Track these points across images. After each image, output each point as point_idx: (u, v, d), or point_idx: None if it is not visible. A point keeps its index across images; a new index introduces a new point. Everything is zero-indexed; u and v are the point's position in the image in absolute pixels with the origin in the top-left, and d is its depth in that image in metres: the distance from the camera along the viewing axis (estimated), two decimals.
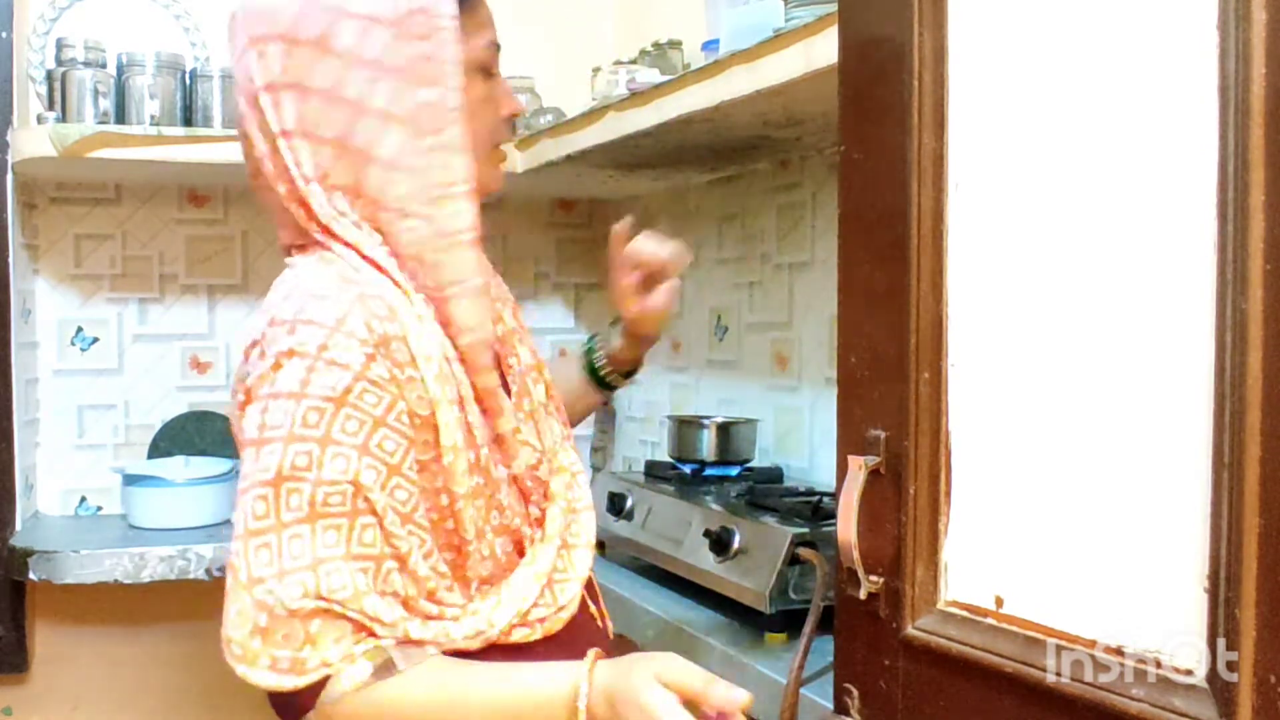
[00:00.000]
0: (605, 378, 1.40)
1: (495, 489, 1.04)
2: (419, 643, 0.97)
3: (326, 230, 1.04)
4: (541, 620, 1.06)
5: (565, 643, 1.07)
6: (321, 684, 0.94)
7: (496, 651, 1.03)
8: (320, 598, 0.92)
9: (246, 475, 0.97)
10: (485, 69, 1.08)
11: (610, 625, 1.21)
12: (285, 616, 0.92)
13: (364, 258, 1.03)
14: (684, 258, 1.29)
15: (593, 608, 1.16)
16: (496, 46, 1.09)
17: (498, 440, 1.07)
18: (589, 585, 1.15)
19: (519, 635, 1.04)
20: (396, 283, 1.02)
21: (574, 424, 1.31)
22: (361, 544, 0.94)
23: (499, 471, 1.05)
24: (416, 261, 1.02)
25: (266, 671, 0.93)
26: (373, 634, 0.95)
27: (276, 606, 0.92)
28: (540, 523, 1.10)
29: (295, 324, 0.97)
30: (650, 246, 1.28)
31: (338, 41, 0.99)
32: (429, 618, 0.99)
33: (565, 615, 1.08)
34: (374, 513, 0.95)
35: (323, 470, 0.93)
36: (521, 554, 1.09)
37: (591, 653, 0.98)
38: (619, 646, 1.19)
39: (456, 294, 1.02)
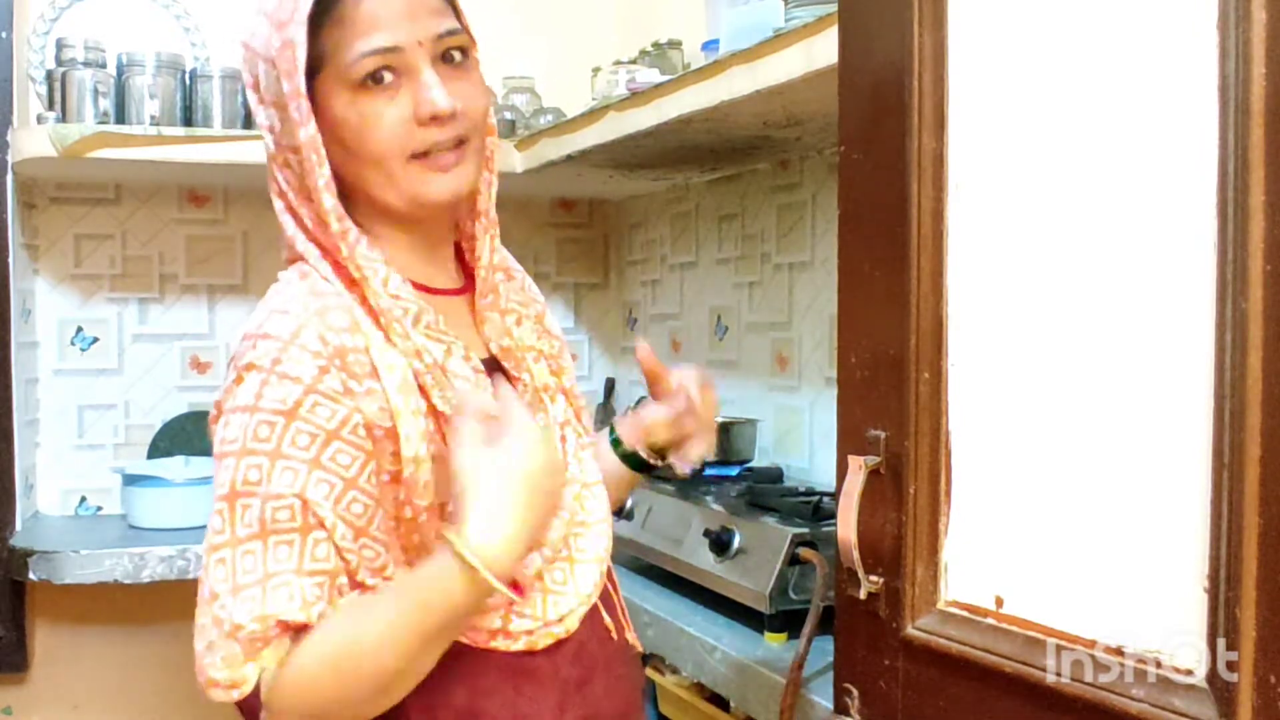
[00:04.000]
0: (643, 458, 1.27)
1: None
2: None
3: (313, 240, 1.06)
4: (528, 632, 1.01)
5: (570, 658, 1.03)
6: (254, 692, 0.95)
7: (491, 664, 1.00)
8: (258, 618, 0.91)
9: (214, 489, 0.97)
10: (364, 82, 0.97)
11: (633, 639, 1.14)
12: (226, 635, 0.92)
13: (338, 266, 1.03)
14: (709, 390, 1.25)
15: (608, 621, 1.09)
16: (386, 51, 0.96)
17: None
18: (605, 598, 1.10)
19: (499, 644, 1.01)
20: (365, 298, 1.01)
21: (617, 502, 1.24)
22: (314, 559, 0.93)
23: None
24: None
25: (215, 690, 0.94)
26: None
27: (226, 623, 0.92)
28: None
29: (257, 339, 0.98)
30: (684, 391, 1.23)
31: (253, 82, 1.04)
32: None
33: (559, 630, 1.03)
34: (323, 527, 0.94)
35: (271, 485, 0.93)
36: None
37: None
38: (636, 662, 1.16)
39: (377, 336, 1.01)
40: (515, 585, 0.95)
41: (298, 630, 0.93)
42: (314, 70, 0.98)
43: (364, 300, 1.01)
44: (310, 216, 1.05)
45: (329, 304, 0.99)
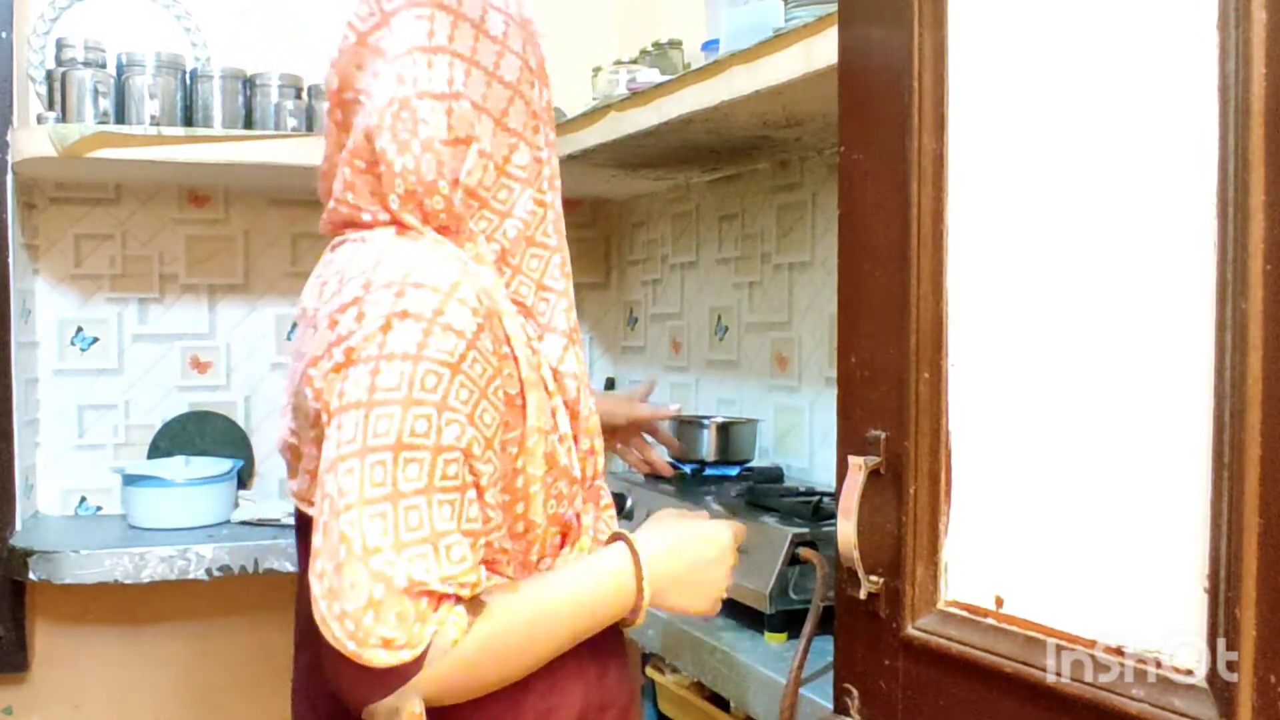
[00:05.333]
0: None
1: (560, 477, 1.06)
2: None
3: (454, 217, 1.04)
4: None
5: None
6: (423, 655, 0.93)
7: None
8: (439, 578, 0.91)
9: (352, 440, 0.92)
10: None
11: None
12: (400, 592, 0.90)
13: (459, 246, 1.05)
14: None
15: None
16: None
17: (573, 437, 1.10)
18: None
19: None
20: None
21: None
22: (468, 519, 0.94)
23: (567, 463, 1.07)
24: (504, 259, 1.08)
25: (378, 650, 0.90)
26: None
27: (396, 578, 0.90)
28: (578, 519, 1.12)
29: (404, 286, 0.95)
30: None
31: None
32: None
33: None
34: (478, 485, 0.96)
35: (441, 437, 0.92)
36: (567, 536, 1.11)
37: (619, 539, 1.09)
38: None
39: (544, 295, 1.09)
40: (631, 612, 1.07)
41: (471, 601, 0.94)
42: None
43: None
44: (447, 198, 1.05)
45: (470, 267, 1.01)
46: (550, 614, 1.00)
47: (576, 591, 1.03)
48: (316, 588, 0.92)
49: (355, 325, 0.95)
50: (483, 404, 0.95)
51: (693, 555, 1.12)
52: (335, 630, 0.90)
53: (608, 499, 1.18)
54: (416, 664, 0.92)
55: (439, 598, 0.92)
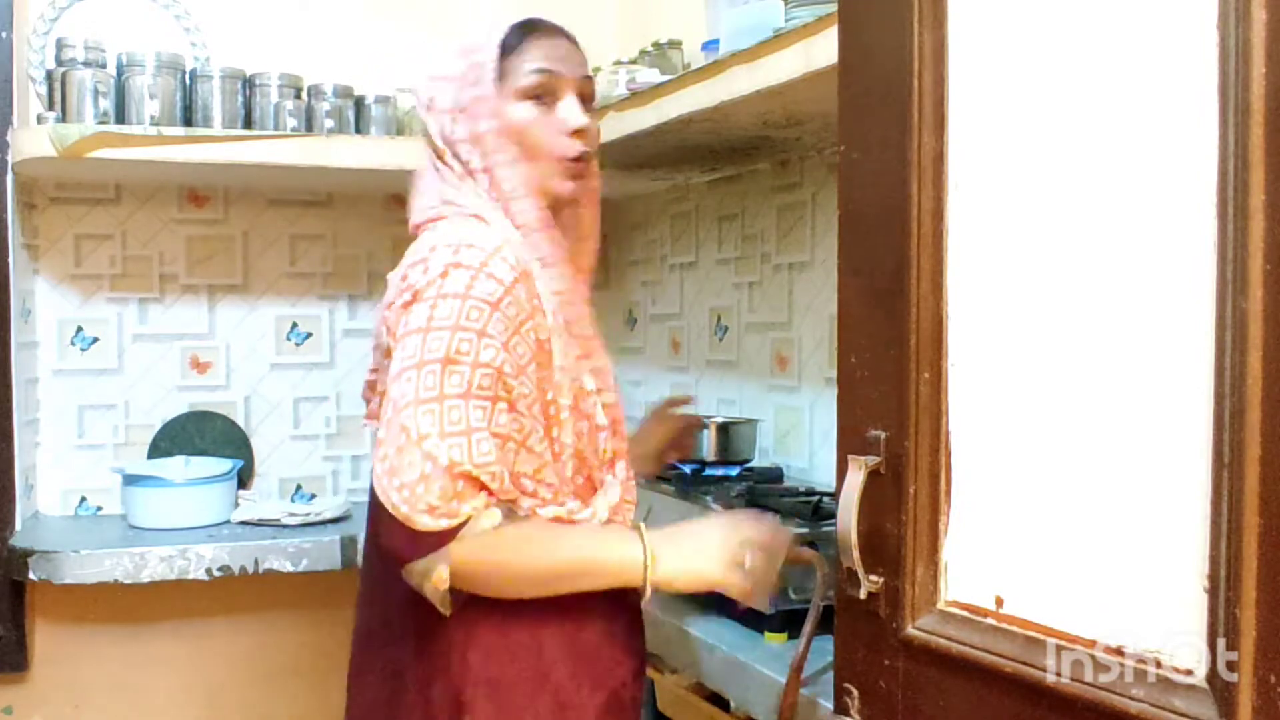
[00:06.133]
0: None
1: (581, 418, 1.27)
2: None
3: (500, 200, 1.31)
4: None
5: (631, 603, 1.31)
6: (457, 528, 1.16)
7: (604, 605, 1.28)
8: (472, 463, 1.14)
9: (411, 356, 1.18)
10: (533, 95, 1.30)
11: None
12: (442, 471, 1.13)
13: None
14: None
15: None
16: (543, 73, 1.30)
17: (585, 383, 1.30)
18: None
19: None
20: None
21: None
22: (498, 424, 1.18)
23: (586, 405, 1.28)
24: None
25: (424, 514, 1.13)
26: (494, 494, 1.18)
27: (440, 458, 1.13)
28: (611, 465, 1.33)
29: (459, 247, 1.21)
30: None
31: (429, 101, 1.36)
32: (525, 494, 1.23)
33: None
34: (509, 398, 1.19)
35: (479, 355, 1.17)
36: (591, 488, 1.31)
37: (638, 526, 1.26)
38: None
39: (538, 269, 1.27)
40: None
41: (509, 506, 1.18)
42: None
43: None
44: (508, 187, 1.30)
45: (509, 238, 1.25)
46: (566, 540, 1.23)
47: (589, 535, 1.25)
48: (379, 468, 1.16)
49: (421, 276, 1.21)
50: (515, 338, 1.20)
51: (696, 526, 1.29)
52: (394, 498, 1.14)
53: (632, 494, 1.36)
54: (451, 533, 1.15)
55: (476, 484, 1.15)
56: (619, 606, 1.31)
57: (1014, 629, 0.91)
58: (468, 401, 1.15)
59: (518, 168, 1.30)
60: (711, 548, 1.24)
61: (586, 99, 1.35)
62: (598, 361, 1.33)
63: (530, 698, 1.25)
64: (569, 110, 1.31)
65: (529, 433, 1.22)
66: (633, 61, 2.09)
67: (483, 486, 1.15)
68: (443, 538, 1.15)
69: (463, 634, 1.24)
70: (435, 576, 1.16)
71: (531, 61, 1.31)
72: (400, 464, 1.14)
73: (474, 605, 1.21)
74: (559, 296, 1.27)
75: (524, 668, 1.25)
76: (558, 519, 1.23)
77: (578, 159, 1.31)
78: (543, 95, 1.30)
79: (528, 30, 1.32)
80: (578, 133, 1.31)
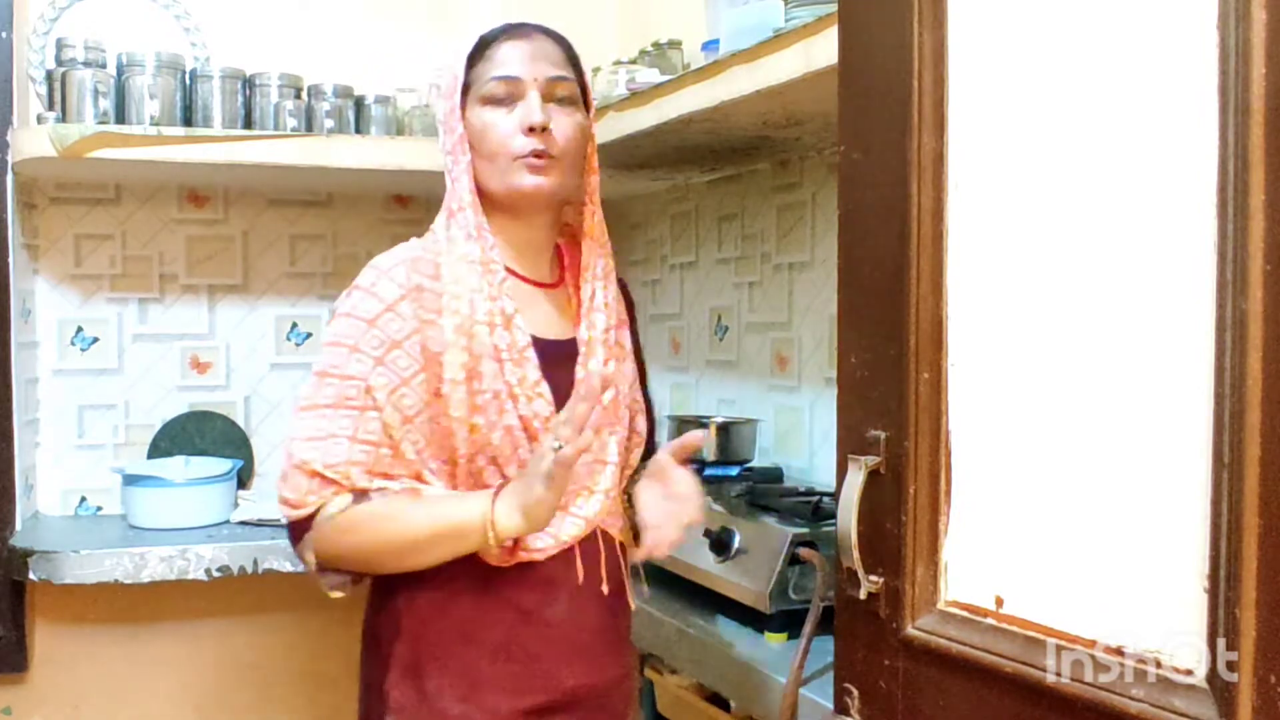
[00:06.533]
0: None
1: (491, 429, 1.29)
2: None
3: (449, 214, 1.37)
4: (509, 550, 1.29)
5: (533, 583, 1.31)
6: (310, 518, 1.28)
7: (464, 570, 1.29)
8: (322, 463, 1.26)
9: (313, 367, 1.33)
10: (494, 100, 1.33)
11: (605, 589, 1.36)
12: (294, 469, 1.27)
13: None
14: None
15: (579, 568, 1.34)
16: (502, 80, 1.33)
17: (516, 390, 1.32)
18: (591, 553, 1.35)
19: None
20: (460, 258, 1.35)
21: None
22: (366, 432, 1.28)
23: (501, 418, 1.29)
24: None
25: (283, 507, 1.29)
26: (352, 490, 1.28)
27: (294, 457, 1.28)
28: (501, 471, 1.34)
29: (368, 268, 1.34)
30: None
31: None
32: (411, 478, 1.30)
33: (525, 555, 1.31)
34: (377, 408, 1.27)
35: (347, 369, 1.28)
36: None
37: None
38: (618, 609, 1.39)
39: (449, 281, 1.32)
40: (514, 547, 1.29)
41: (359, 493, 1.26)
42: (463, 93, 1.35)
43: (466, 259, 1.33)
44: (454, 198, 1.37)
45: (424, 256, 1.34)
46: (410, 523, 1.28)
47: (437, 513, 1.28)
48: None
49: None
50: (395, 352, 1.29)
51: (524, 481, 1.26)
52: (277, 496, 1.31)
53: (584, 460, 1.36)
54: (306, 523, 1.28)
55: (326, 481, 1.26)
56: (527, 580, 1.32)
57: (1014, 629, 0.91)
58: (336, 410, 1.28)
59: (463, 180, 1.34)
60: (528, 497, 1.23)
61: (558, 97, 1.35)
62: (526, 371, 1.31)
63: (459, 653, 1.31)
64: (526, 108, 1.32)
65: (399, 440, 1.28)
66: (633, 61, 2.09)
67: (333, 482, 1.26)
68: (303, 526, 1.29)
69: (405, 599, 1.33)
70: (308, 561, 1.31)
71: (495, 68, 1.34)
72: (282, 465, 1.31)
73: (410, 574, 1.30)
74: (492, 303, 1.30)
75: (448, 625, 1.31)
76: (409, 490, 1.29)
77: (539, 155, 1.32)
78: (505, 100, 1.33)
79: (499, 35, 1.36)
80: (534, 130, 1.31)
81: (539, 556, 1.31)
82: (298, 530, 1.30)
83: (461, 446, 1.29)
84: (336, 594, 1.34)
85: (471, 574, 1.30)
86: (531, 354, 1.32)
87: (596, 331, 1.38)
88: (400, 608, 1.34)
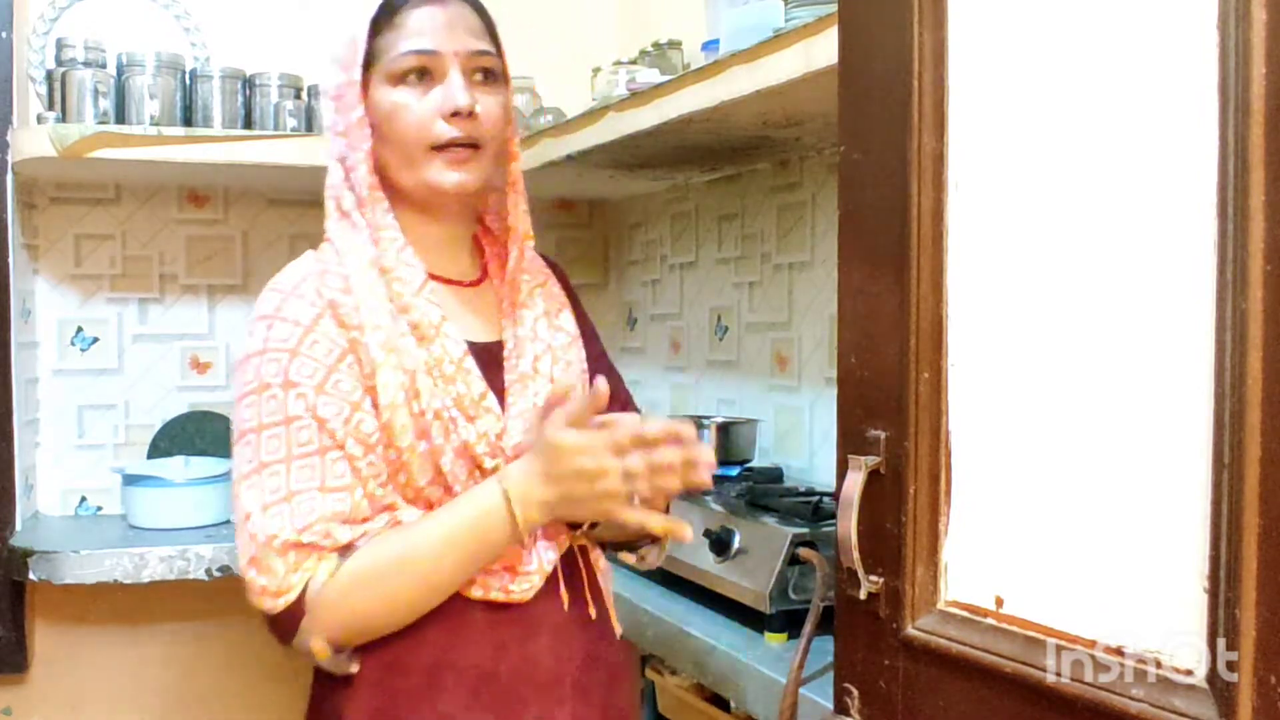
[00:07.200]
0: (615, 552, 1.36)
1: (439, 454, 1.12)
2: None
3: (346, 217, 1.20)
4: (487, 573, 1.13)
5: (510, 618, 1.15)
6: (301, 599, 1.08)
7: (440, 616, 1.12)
8: (293, 529, 1.06)
9: (235, 428, 1.12)
10: (402, 77, 1.14)
11: (593, 612, 1.23)
12: (264, 546, 1.06)
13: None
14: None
15: (564, 593, 1.19)
16: (417, 54, 1.13)
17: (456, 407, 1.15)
18: (573, 575, 1.21)
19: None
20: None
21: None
22: (334, 476, 1.08)
23: (449, 440, 1.13)
24: None
25: (264, 598, 1.07)
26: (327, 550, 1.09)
27: (260, 535, 1.06)
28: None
29: (267, 291, 1.15)
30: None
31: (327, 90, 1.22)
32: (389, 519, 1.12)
33: (500, 594, 1.14)
34: (339, 446, 1.09)
35: (289, 410, 1.08)
36: None
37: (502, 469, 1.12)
38: (603, 646, 1.24)
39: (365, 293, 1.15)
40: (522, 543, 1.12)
41: (343, 549, 1.08)
42: (367, 67, 1.16)
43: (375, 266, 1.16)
44: (352, 196, 1.18)
45: (328, 268, 1.15)
46: (421, 541, 1.10)
47: (446, 519, 1.11)
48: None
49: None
50: (334, 375, 1.10)
51: (552, 472, 1.08)
52: (245, 584, 1.09)
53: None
54: (298, 607, 1.07)
55: (307, 549, 1.07)
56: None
57: (1014, 629, 0.91)
58: (289, 464, 1.07)
59: (362, 170, 1.16)
60: (576, 489, 1.08)
61: (481, 74, 1.16)
62: (457, 393, 1.14)
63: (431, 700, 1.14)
64: (449, 90, 1.13)
65: (367, 478, 1.10)
66: (633, 61, 2.09)
67: (314, 548, 1.07)
68: (294, 613, 1.07)
69: (360, 673, 1.13)
70: (317, 649, 1.10)
71: (405, 39, 1.14)
72: (239, 550, 1.09)
73: None
74: (416, 313, 1.13)
75: (417, 669, 1.14)
76: (395, 523, 1.12)
77: (462, 145, 1.14)
78: (420, 77, 1.14)
79: None
80: (459, 115, 1.13)
81: (526, 596, 1.15)
82: (288, 621, 1.08)
83: (419, 477, 1.12)
84: (354, 668, 1.13)
85: (441, 611, 1.13)
86: (471, 364, 1.15)
87: (525, 329, 1.22)
88: (354, 680, 1.13)
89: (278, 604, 1.07)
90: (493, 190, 1.25)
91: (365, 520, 1.10)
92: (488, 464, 1.14)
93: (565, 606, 1.18)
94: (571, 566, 1.22)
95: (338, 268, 1.15)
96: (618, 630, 1.29)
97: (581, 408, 1.09)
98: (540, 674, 1.16)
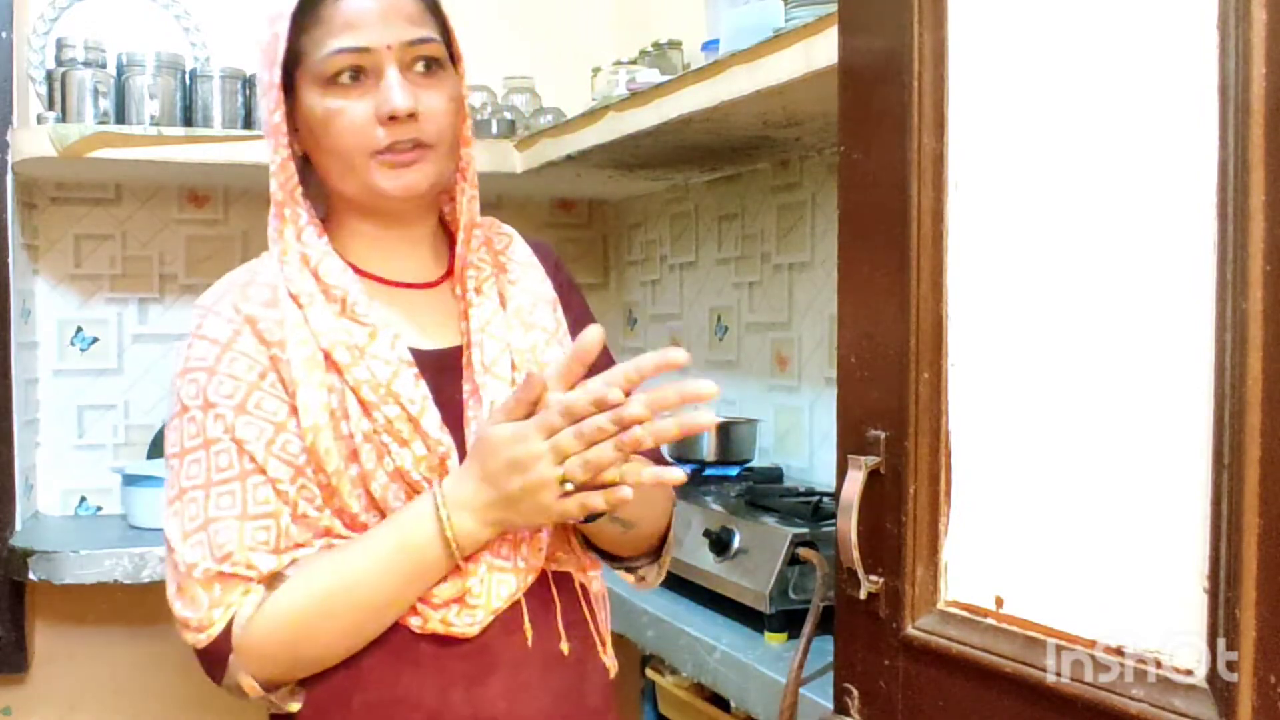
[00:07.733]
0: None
1: (370, 479, 1.03)
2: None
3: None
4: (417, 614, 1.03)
5: (464, 653, 1.04)
6: (226, 632, 1.01)
7: (378, 642, 1.04)
8: (213, 559, 1.00)
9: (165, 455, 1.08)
10: (333, 79, 1.03)
11: (565, 648, 1.08)
12: (186, 578, 1.01)
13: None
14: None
15: (528, 628, 1.06)
16: (346, 53, 1.02)
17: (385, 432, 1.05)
18: (542, 606, 1.08)
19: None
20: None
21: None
22: (256, 502, 1.01)
23: (382, 464, 1.03)
24: None
25: (187, 633, 1.02)
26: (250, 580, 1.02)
27: (180, 566, 1.01)
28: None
29: (193, 307, 1.10)
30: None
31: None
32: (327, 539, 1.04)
33: (457, 626, 1.03)
34: (260, 469, 1.01)
35: (207, 432, 1.02)
36: None
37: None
38: (581, 687, 1.11)
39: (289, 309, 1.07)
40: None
41: (270, 579, 1.01)
42: (295, 64, 1.06)
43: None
44: (282, 197, 1.11)
45: (256, 280, 1.08)
46: (352, 565, 1.01)
47: (377, 538, 1.01)
48: None
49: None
50: (256, 394, 1.03)
51: (486, 470, 0.98)
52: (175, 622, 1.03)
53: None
54: (223, 642, 1.01)
55: (230, 579, 1.00)
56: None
57: (1014, 629, 0.91)
58: (208, 490, 1.01)
59: (282, 176, 1.07)
60: (515, 494, 0.97)
61: (421, 64, 1.05)
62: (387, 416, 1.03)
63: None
64: (385, 93, 1.02)
65: (296, 501, 1.02)
66: (633, 61, 2.09)
67: (237, 578, 0.99)
68: (220, 648, 1.01)
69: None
70: (247, 687, 1.03)
71: (333, 36, 1.02)
72: (167, 580, 1.04)
73: None
74: (342, 338, 1.04)
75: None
76: (326, 547, 1.03)
77: (405, 149, 1.04)
78: (354, 77, 1.03)
79: None
80: (396, 118, 1.03)
81: (469, 631, 1.03)
82: (215, 656, 1.02)
83: (351, 502, 1.02)
84: (295, 706, 1.06)
85: (386, 643, 1.03)
86: (403, 384, 1.03)
87: (478, 328, 1.10)
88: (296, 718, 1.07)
89: (200, 639, 1.01)
90: (450, 185, 1.14)
91: (299, 546, 1.02)
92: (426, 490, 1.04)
93: (529, 642, 1.06)
94: (543, 596, 1.07)
95: (267, 278, 1.08)
96: (611, 668, 1.14)
97: (568, 365, 0.97)
98: (492, 718, 1.04)
